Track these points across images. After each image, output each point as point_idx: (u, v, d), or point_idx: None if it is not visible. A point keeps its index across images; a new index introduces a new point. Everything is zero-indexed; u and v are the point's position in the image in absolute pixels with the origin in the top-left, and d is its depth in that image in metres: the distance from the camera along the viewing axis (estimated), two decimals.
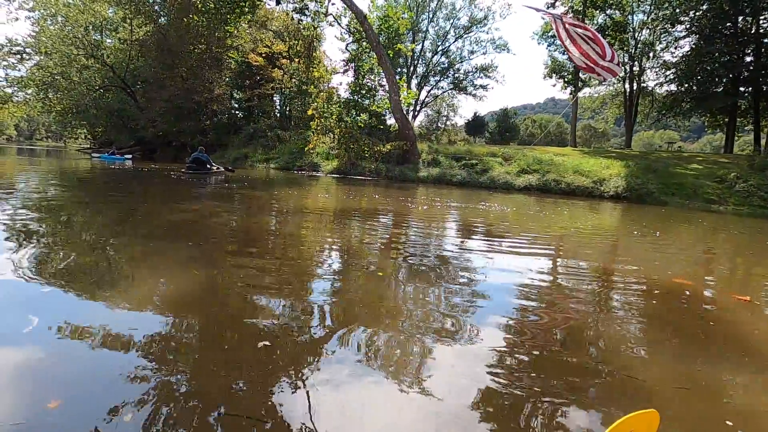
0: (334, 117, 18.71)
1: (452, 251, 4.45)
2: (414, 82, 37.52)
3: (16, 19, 28.01)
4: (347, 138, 18.30)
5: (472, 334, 2.27)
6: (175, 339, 1.98)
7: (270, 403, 1.53)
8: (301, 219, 6.18)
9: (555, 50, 29.74)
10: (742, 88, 23.61)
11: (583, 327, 2.52)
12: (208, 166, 13.41)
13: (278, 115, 30.52)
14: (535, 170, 15.59)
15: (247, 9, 17.16)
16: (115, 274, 2.89)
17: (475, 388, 1.73)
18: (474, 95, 39.10)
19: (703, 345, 2.37)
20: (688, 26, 24.32)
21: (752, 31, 22.53)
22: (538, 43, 30.47)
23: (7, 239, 3.56)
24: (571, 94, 29.86)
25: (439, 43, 38.38)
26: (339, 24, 19.35)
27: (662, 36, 26.91)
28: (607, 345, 2.28)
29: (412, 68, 38.59)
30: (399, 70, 34.56)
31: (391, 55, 18.73)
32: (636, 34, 28.08)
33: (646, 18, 27.55)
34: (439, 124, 44.47)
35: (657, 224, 8.27)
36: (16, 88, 30.00)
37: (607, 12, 27.39)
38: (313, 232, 5.17)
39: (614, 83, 29.41)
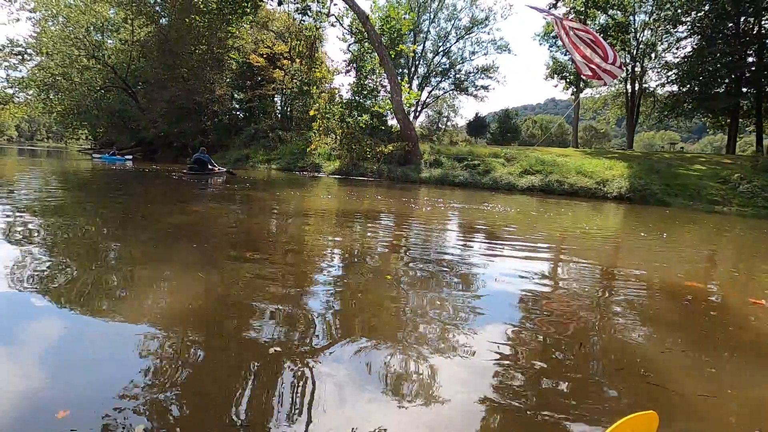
0: (336, 117, 18.67)
1: (458, 254, 4.39)
2: (415, 82, 37.50)
3: (17, 19, 27.98)
4: (349, 139, 18.26)
5: (481, 341, 2.22)
6: (180, 345, 1.93)
7: (271, 411, 1.48)
8: (306, 221, 6.13)
9: (556, 51, 29.71)
10: (744, 89, 23.56)
11: (597, 332, 2.46)
12: (210, 166, 13.37)
13: (279, 115, 30.49)
14: (537, 171, 15.54)
15: (249, 9, 17.13)
16: (119, 279, 2.84)
17: (481, 396, 1.68)
18: (475, 96, 39.08)
19: (726, 350, 2.32)
20: (689, 27, 24.28)
21: (754, 32, 22.48)
22: (540, 44, 30.47)
23: (7, 242, 3.51)
24: (572, 95, 29.82)
25: (440, 44, 38.38)
26: (341, 24, 19.33)
27: (664, 37, 26.89)
28: (625, 351, 2.23)
29: (413, 69, 38.57)
30: (400, 70, 34.55)
31: (392, 56, 18.69)
32: (638, 35, 28.05)
33: (647, 19, 27.52)
34: (440, 125, 44.43)
35: (662, 226, 8.21)
36: (17, 89, 30.01)
37: (609, 12, 27.36)
38: (317, 234, 5.12)
39: (616, 84, 29.36)
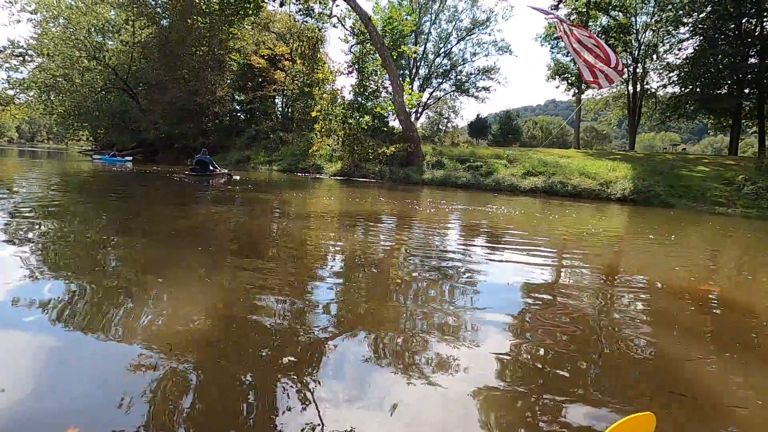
0: (338, 119, 18.62)
1: (468, 259, 4.32)
2: (416, 84, 37.43)
3: (18, 21, 27.92)
4: (351, 140, 18.21)
5: (494, 348, 2.15)
6: (190, 354, 1.86)
7: (279, 414, 1.42)
8: (310, 223, 6.06)
9: (558, 52, 29.66)
10: (746, 90, 23.49)
11: (615, 340, 2.39)
12: (211, 168, 13.33)
13: (280, 117, 30.47)
14: (540, 172, 15.47)
15: (251, 11, 17.09)
16: (125, 285, 2.78)
17: (497, 404, 1.61)
18: (476, 97, 39.01)
19: (754, 358, 2.24)
20: (691, 28, 24.23)
21: (756, 33, 22.43)
22: (541, 45, 30.41)
23: (11, 244, 3.44)
24: (574, 96, 29.77)
25: (441, 45, 38.33)
26: (343, 26, 19.30)
27: (665, 38, 26.82)
28: (645, 359, 2.16)
29: (414, 70, 38.53)
30: (401, 72, 34.48)
31: (394, 57, 18.65)
32: (639, 36, 28.00)
33: (649, 20, 27.47)
34: (440, 126, 44.34)
35: (668, 227, 8.15)
36: (18, 90, 29.99)
37: (611, 14, 27.31)
38: (323, 237, 5.06)
39: (617, 85, 29.30)
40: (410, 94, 19.28)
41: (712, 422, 1.62)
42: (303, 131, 24.66)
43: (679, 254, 5.38)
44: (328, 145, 19.89)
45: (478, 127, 43.36)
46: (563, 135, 53.43)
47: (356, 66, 19.21)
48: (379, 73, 19.01)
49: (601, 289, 3.43)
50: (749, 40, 22.52)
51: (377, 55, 18.19)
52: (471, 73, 38.29)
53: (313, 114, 19.93)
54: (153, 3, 28.27)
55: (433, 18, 37.71)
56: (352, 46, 20.36)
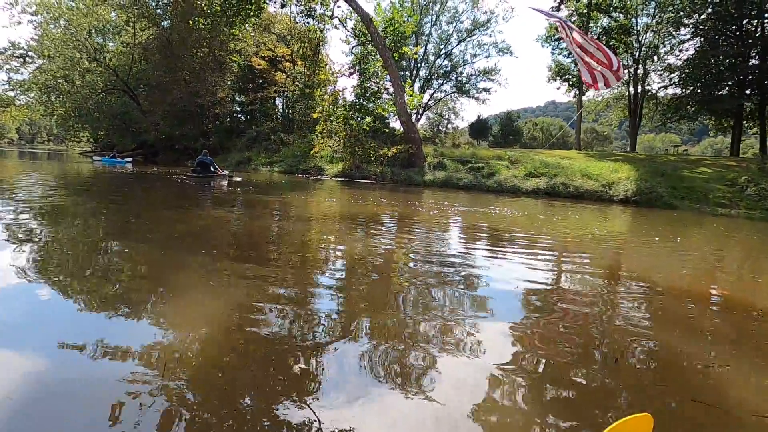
0: (340, 120, 18.59)
1: (470, 262, 4.26)
2: (417, 85, 37.40)
3: (19, 22, 27.91)
4: (353, 141, 18.17)
5: (508, 355, 2.09)
6: (199, 362, 1.80)
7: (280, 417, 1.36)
8: (313, 226, 6.01)
9: (559, 54, 29.65)
10: (747, 91, 23.46)
11: (631, 345, 2.33)
12: (212, 169, 13.28)
13: (281, 118, 30.43)
14: (542, 174, 15.42)
15: (252, 12, 17.06)
16: (131, 290, 2.72)
17: (515, 412, 1.55)
18: (476, 98, 38.96)
19: None
20: (692, 29, 24.21)
21: (757, 34, 22.41)
22: (542, 46, 30.39)
23: (11, 250, 3.38)
24: (575, 97, 29.73)
25: (442, 47, 38.31)
26: (344, 27, 19.29)
27: (666, 39, 26.81)
28: (665, 366, 2.10)
29: (415, 71, 38.51)
30: (402, 73, 34.45)
31: (395, 59, 18.62)
32: (640, 37, 27.99)
33: (650, 21, 27.47)
34: (440, 127, 44.29)
35: (673, 229, 8.09)
36: (18, 92, 29.96)
37: (612, 15, 27.30)
38: (326, 241, 5.00)
39: (618, 87, 29.27)
40: (411, 95, 19.25)
41: None
42: (304, 132, 24.63)
43: (687, 257, 5.32)
44: (330, 146, 19.85)
45: (479, 129, 43.28)
46: (563, 136, 53.40)
47: (357, 67, 19.18)
48: (380, 74, 18.98)
49: (613, 293, 3.37)
50: (750, 41, 22.50)
51: (378, 56, 18.17)
52: (471, 75, 38.28)
53: (315, 115, 19.91)
54: (154, 4, 28.28)
55: (434, 19, 37.71)
56: (353, 47, 20.34)
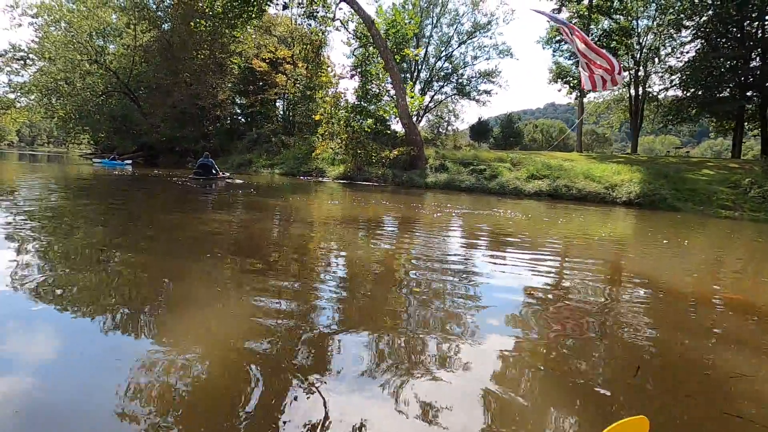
0: (341, 122, 18.56)
1: (477, 267, 4.19)
2: (417, 87, 37.44)
3: (20, 25, 27.95)
4: (354, 143, 18.12)
5: (527, 362, 2.01)
6: (206, 373, 1.73)
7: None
8: (316, 230, 5.94)
9: (560, 56, 29.68)
10: (748, 93, 23.45)
11: (651, 353, 2.25)
12: (214, 171, 13.25)
13: (281, 120, 30.42)
14: (545, 176, 15.36)
15: (254, 14, 17.04)
16: (131, 299, 2.65)
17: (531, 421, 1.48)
18: (477, 100, 39.00)
19: None
20: (693, 31, 24.23)
21: (759, 35, 22.42)
22: (543, 48, 30.40)
23: (9, 258, 3.31)
24: (576, 99, 29.72)
25: (443, 49, 38.37)
26: (346, 29, 19.27)
27: (667, 41, 26.84)
28: (688, 375, 2.03)
29: (415, 73, 38.55)
30: (403, 75, 34.48)
31: (397, 61, 18.60)
32: (641, 39, 28.01)
33: (651, 23, 27.50)
34: (440, 129, 44.29)
35: (679, 232, 8.03)
36: (19, 94, 29.97)
37: (613, 17, 27.32)
38: (332, 246, 4.93)
39: (619, 88, 29.30)
40: (412, 97, 19.21)
41: None
42: (305, 135, 24.60)
43: (697, 260, 5.26)
44: (331, 148, 19.81)
45: (480, 131, 43.29)
46: (563, 138, 53.43)
47: (359, 69, 19.16)
48: (381, 76, 18.96)
49: (629, 299, 3.30)
50: (751, 43, 22.51)
51: (379, 58, 18.14)
52: (472, 77, 38.34)
53: (317, 117, 19.88)
54: (154, 7, 28.31)
55: (435, 21, 37.79)
56: (354, 49, 20.32)
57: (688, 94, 24.91)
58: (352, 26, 19.36)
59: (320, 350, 2.00)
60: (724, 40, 23.40)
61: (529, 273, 3.80)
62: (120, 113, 30.29)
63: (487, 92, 38.27)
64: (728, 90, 23.71)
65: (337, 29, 19.45)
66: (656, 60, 27.92)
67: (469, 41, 37.53)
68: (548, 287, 3.43)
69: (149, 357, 1.80)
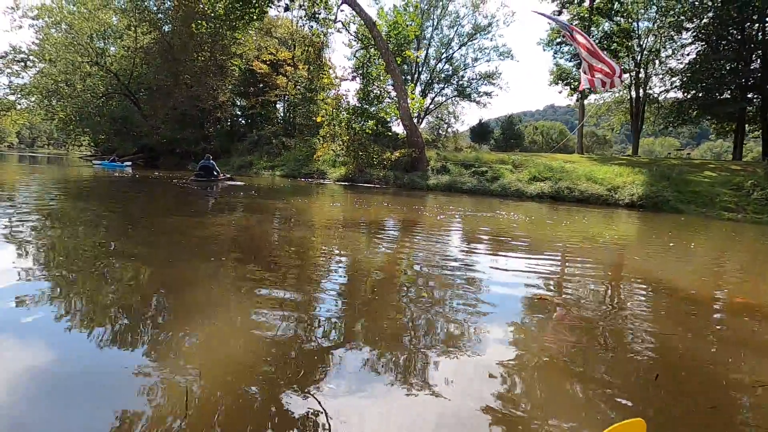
0: (342, 124, 18.52)
1: (482, 271, 4.13)
2: (418, 89, 37.42)
3: (20, 27, 27.94)
4: (355, 145, 18.09)
5: (536, 369, 1.96)
6: (210, 385, 1.67)
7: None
8: (320, 232, 5.89)
9: (561, 57, 29.66)
10: (749, 95, 23.42)
11: (668, 360, 2.19)
12: (215, 173, 13.21)
13: (282, 122, 30.39)
14: (546, 177, 15.32)
15: (255, 16, 17.02)
16: (135, 304, 2.59)
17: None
18: (477, 102, 38.97)
19: None
20: (694, 33, 24.22)
21: (759, 38, 22.40)
22: (544, 50, 30.37)
23: (5, 262, 3.26)
24: (577, 101, 29.70)
25: (443, 51, 38.36)
26: (347, 31, 19.25)
27: (668, 43, 26.82)
28: (709, 384, 1.97)
29: (416, 75, 38.54)
30: (403, 77, 34.48)
31: (398, 63, 18.58)
32: (641, 41, 28.00)
33: (651, 25, 27.50)
34: (440, 131, 44.27)
35: (683, 234, 7.97)
36: (19, 96, 29.93)
37: (613, 19, 27.32)
38: (337, 247, 4.87)
39: (620, 90, 29.26)
40: (413, 99, 19.17)
41: None
42: (305, 136, 24.55)
43: (703, 264, 5.20)
44: (332, 150, 19.76)
45: (481, 132, 43.27)
46: (565, 140, 53.43)
47: (360, 71, 19.14)
48: (382, 78, 18.94)
49: (641, 304, 3.24)
50: (752, 45, 22.49)
51: (380, 60, 18.12)
52: (472, 78, 38.31)
53: (318, 119, 19.85)
54: (155, 9, 28.30)
55: (435, 23, 37.79)
56: (356, 51, 20.30)
57: (688, 96, 24.88)
58: (353, 28, 19.36)
59: (321, 363, 1.94)
60: (724, 42, 23.39)
61: (534, 277, 3.74)
62: (120, 115, 30.24)
63: (488, 94, 38.27)
64: (729, 92, 23.67)
65: (338, 31, 19.44)
66: (657, 62, 27.90)
67: (469, 43, 37.55)
68: (553, 292, 3.37)
69: (145, 368, 1.75)
